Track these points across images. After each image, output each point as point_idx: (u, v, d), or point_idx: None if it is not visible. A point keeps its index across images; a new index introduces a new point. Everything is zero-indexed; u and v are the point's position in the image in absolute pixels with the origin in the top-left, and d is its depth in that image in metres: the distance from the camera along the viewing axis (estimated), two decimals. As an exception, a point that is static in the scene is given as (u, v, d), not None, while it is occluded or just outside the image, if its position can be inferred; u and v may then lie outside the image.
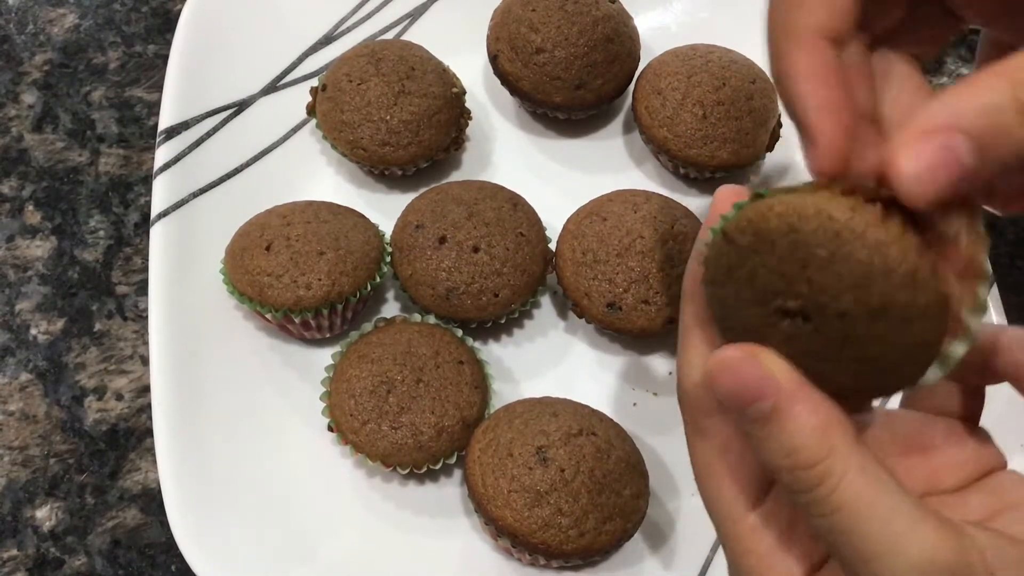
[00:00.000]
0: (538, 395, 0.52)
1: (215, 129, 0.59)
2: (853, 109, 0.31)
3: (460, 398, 0.51)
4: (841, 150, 0.30)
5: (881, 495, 0.28)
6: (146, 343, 0.54)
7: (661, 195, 0.57)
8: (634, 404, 0.56)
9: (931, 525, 0.27)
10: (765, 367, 0.29)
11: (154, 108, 0.64)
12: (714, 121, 0.58)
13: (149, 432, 0.54)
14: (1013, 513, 0.31)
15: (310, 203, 0.55)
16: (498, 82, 0.61)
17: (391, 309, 0.58)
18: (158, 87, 0.63)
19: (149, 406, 0.52)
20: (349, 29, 0.64)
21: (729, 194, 0.32)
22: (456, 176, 0.61)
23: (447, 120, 0.58)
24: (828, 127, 0.30)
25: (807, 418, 0.28)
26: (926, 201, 0.26)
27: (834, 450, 0.28)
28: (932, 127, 0.26)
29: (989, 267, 0.31)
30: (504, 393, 0.55)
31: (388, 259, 0.55)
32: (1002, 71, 0.26)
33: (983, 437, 0.35)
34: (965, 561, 0.27)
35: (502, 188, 0.57)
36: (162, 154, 0.56)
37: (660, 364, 0.57)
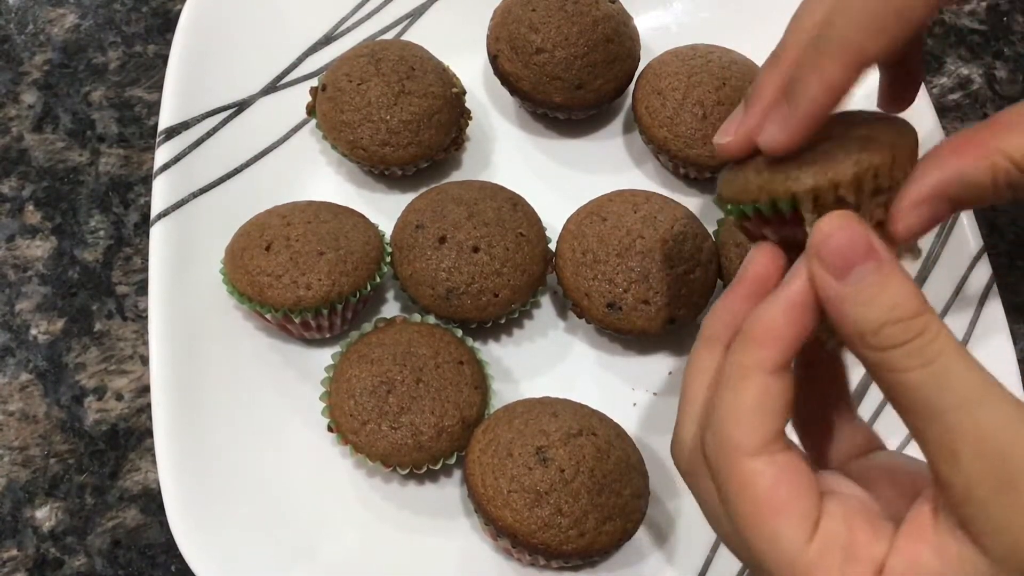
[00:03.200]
0: (538, 395, 0.52)
1: (215, 129, 0.59)
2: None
3: (460, 398, 0.51)
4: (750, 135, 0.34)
5: (969, 354, 0.29)
6: (146, 343, 0.54)
7: (661, 195, 0.57)
8: (634, 404, 0.56)
9: (1008, 396, 0.29)
10: (869, 234, 0.31)
11: (154, 108, 0.64)
12: (714, 121, 0.58)
13: (149, 432, 0.54)
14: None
15: (310, 203, 0.55)
16: (498, 82, 0.61)
17: (391, 309, 0.58)
18: (158, 87, 0.63)
19: (149, 406, 0.52)
20: (349, 29, 0.64)
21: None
22: (456, 176, 0.61)
23: (447, 120, 0.58)
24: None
25: (905, 279, 0.30)
26: (913, 239, 0.33)
27: (929, 309, 0.30)
28: (923, 197, 0.32)
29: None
30: (504, 393, 0.55)
31: (388, 259, 0.55)
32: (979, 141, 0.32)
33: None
34: None
35: (502, 188, 0.57)
36: (162, 154, 0.56)
37: (660, 364, 0.57)
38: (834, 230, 0.31)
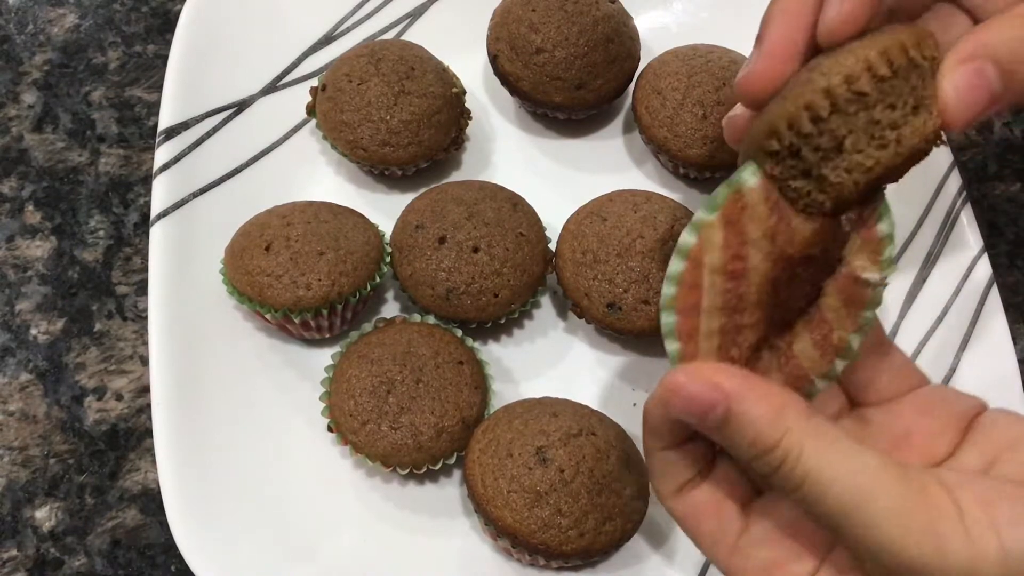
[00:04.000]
0: (538, 395, 0.52)
1: (215, 129, 0.59)
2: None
3: (460, 398, 0.51)
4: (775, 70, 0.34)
5: (841, 456, 0.31)
6: (146, 343, 0.54)
7: (661, 195, 0.57)
8: (634, 404, 0.56)
9: (893, 474, 0.30)
10: (708, 379, 0.32)
11: (154, 108, 0.64)
12: (714, 121, 0.58)
13: (149, 432, 0.54)
14: (1009, 455, 0.33)
15: (310, 203, 0.55)
16: (498, 82, 0.61)
17: (391, 309, 0.58)
18: (158, 87, 0.63)
19: (149, 406, 0.52)
20: (349, 29, 0.64)
21: None
22: (456, 176, 0.61)
23: (447, 120, 0.58)
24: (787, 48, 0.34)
25: (757, 410, 0.31)
26: (965, 121, 0.32)
27: (788, 430, 0.31)
28: (967, 55, 0.32)
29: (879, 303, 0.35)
30: (504, 393, 0.55)
31: (388, 259, 0.55)
32: None
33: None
34: (932, 504, 0.30)
35: (502, 188, 0.57)
36: (162, 154, 0.56)
37: (660, 364, 0.57)
38: (676, 389, 0.32)
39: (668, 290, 0.34)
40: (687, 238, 0.34)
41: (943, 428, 0.35)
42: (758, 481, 0.36)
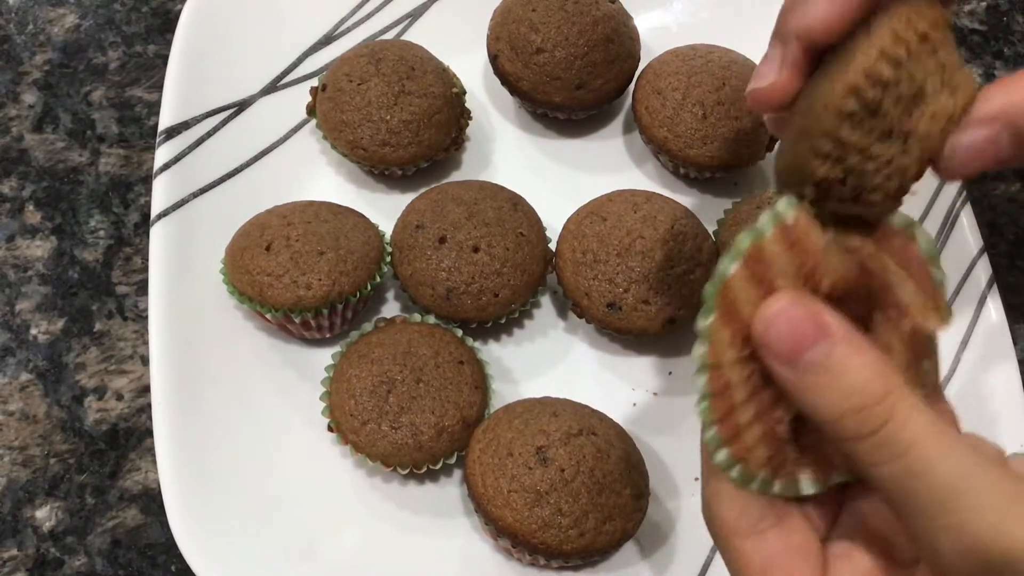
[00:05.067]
0: (538, 395, 0.52)
1: (215, 129, 0.59)
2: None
3: (460, 398, 0.51)
4: (783, 86, 0.32)
5: (946, 434, 0.27)
6: (146, 343, 0.54)
7: (661, 195, 0.57)
8: (634, 404, 0.56)
9: (995, 460, 0.27)
10: (815, 313, 0.28)
11: (154, 108, 0.64)
12: (714, 121, 0.58)
13: (149, 432, 0.54)
14: None
15: (310, 203, 0.55)
16: (498, 82, 0.61)
17: (391, 309, 0.58)
18: (158, 87, 0.63)
19: (149, 406, 0.52)
20: (349, 29, 0.64)
21: None
22: (456, 176, 0.61)
23: (447, 120, 0.58)
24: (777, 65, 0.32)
25: (865, 357, 0.27)
26: (961, 176, 0.31)
27: (898, 387, 0.27)
28: (990, 116, 0.30)
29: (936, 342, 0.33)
30: (504, 393, 0.55)
31: (388, 259, 0.55)
32: None
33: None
34: None
35: (502, 188, 0.57)
36: (162, 154, 0.56)
37: (660, 364, 0.57)
38: (775, 315, 0.28)
39: (702, 405, 0.31)
40: (699, 349, 0.31)
41: None
42: (833, 453, 0.31)
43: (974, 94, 0.31)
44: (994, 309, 0.55)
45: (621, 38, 0.60)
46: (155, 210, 0.55)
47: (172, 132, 0.57)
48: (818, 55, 0.33)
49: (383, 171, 0.59)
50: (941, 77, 0.30)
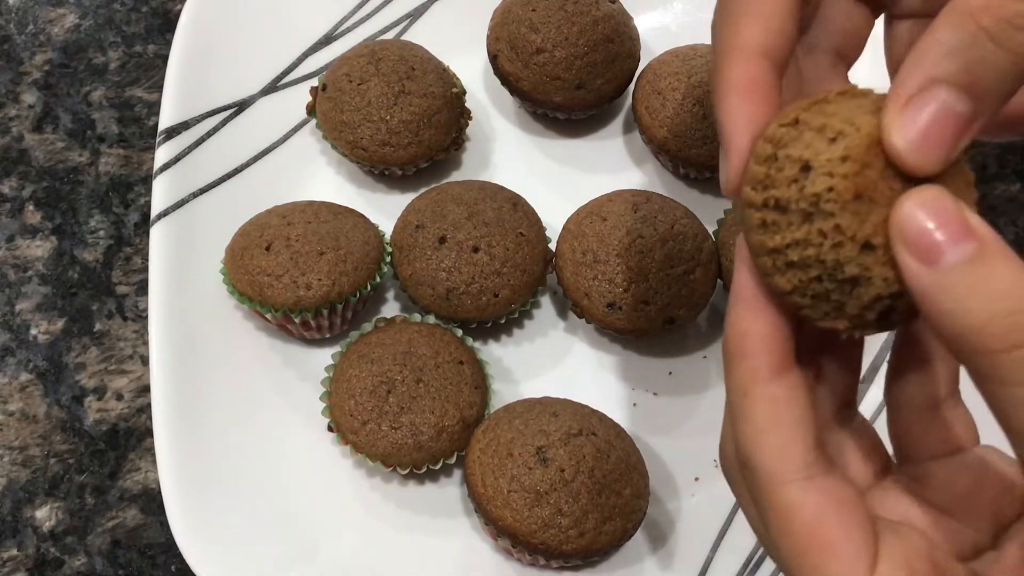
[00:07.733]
0: (538, 395, 0.52)
1: (215, 129, 0.59)
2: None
3: (460, 398, 0.51)
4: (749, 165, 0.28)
5: None
6: (146, 343, 0.54)
7: (661, 195, 0.57)
8: (634, 404, 0.56)
9: None
10: (962, 206, 0.25)
11: (154, 108, 0.64)
12: (714, 121, 0.58)
13: (149, 432, 0.54)
14: None
15: (310, 203, 0.55)
16: (498, 82, 0.61)
17: (391, 309, 0.58)
18: (158, 87, 0.63)
19: (149, 406, 0.52)
20: (349, 29, 0.64)
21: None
22: (456, 176, 0.61)
23: (447, 120, 0.58)
24: (744, 141, 0.28)
25: (1013, 262, 0.24)
26: (937, 166, 0.25)
27: None
28: (912, 90, 0.25)
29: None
30: (504, 393, 0.55)
31: (388, 259, 0.55)
32: (954, 7, 0.25)
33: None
34: None
35: (502, 188, 0.57)
36: (162, 154, 0.56)
37: (660, 364, 0.57)
38: (918, 206, 0.25)
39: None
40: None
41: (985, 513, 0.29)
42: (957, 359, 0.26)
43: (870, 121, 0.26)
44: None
45: (621, 38, 0.60)
46: (155, 210, 0.55)
47: (172, 132, 0.57)
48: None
49: (383, 171, 0.59)
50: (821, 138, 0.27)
